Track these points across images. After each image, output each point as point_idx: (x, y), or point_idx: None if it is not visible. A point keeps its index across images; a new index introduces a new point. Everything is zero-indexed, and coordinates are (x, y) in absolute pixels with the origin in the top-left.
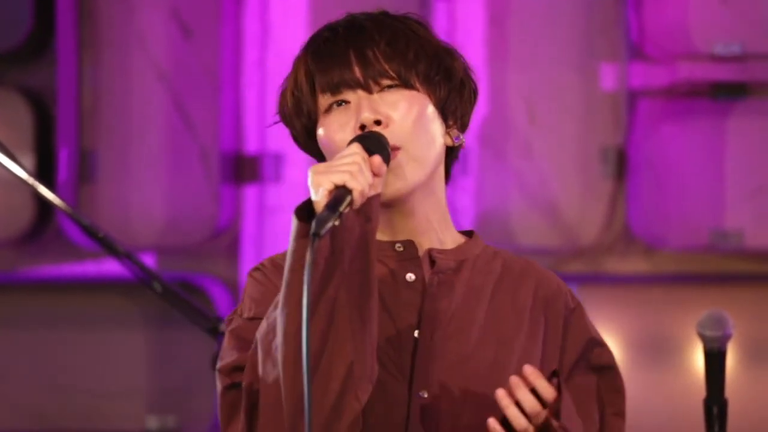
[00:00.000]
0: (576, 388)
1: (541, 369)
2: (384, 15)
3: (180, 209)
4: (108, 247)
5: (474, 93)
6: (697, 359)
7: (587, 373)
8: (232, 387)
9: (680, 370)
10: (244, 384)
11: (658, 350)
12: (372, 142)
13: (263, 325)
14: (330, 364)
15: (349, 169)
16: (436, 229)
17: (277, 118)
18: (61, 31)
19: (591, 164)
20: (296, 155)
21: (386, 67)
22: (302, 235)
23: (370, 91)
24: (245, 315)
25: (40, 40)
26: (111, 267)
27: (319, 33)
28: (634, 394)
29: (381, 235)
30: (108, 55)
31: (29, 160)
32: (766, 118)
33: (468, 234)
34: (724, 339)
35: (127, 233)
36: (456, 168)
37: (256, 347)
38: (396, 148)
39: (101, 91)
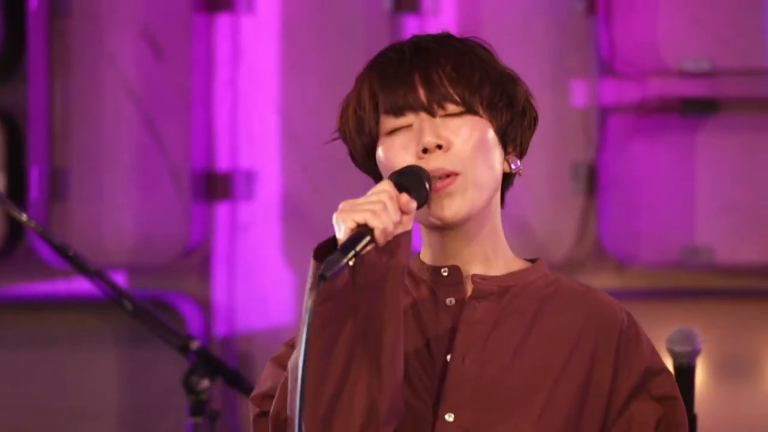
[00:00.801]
0: (632, 419)
1: (584, 398)
2: (449, 37)
3: (151, 227)
4: (78, 265)
5: (534, 120)
6: None
7: (647, 403)
8: (262, 415)
9: None
10: (271, 412)
11: None
12: (407, 178)
13: (294, 354)
14: (351, 401)
15: (373, 207)
16: (489, 255)
17: (336, 135)
18: (32, 49)
19: (562, 180)
20: (268, 172)
21: (451, 91)
22: (315, 275)
23: (433, 115)
24: (296, 343)
25: (11, 58)
26: (82, 285)
27: (384, 53)
28: None
29: (430, 259)
30: (79, 74)
31: (0, 178)
32: (736, 134)
33: (533, 261)
34: (694, 354)
35: (98, 251)
36: None
37: (287, 377)
38: (455, 174)
39: (72, 110)
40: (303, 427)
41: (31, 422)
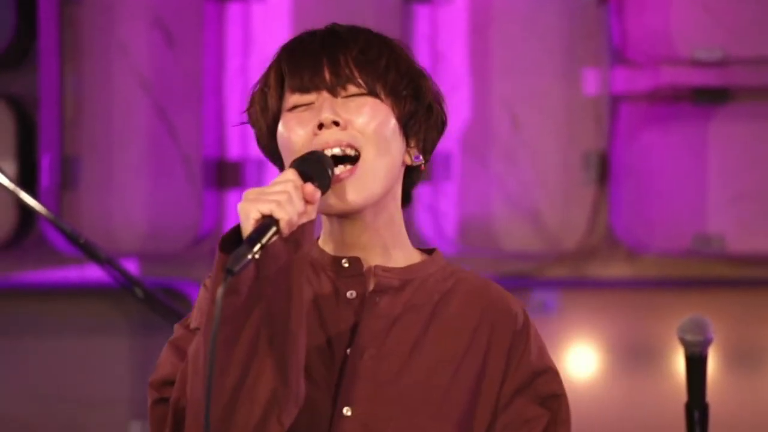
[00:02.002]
0: (513, 416)
1: (478, 391)
2: (366, 29)
3: (162, 215)
4: (89, 253)
5: (442, 122)
6: (679, 364)
7: (529, 403)
8: (160, 401)
9: (662, 374)
10: (171, 399)
11: (639, 355)
12: (310, 165)
13: (194, 343)
14: (252, 390)
15: (278, 198)
16: (388, 247)
17: (244, 117)
18: (44, 37)
19: (573, 169)
20: None
21: (356, 73)
22: (221, 267)
23: (335, 95)
24: (192, 325)
25: (23, 46)
26: (93, 273)
27: (298, 37)
28: (616, 398)
29: (330, 249)
30: (90, 62)
31: (11, 166)
32: (747, 123)
33: (429, 252)
34: (705, 343)
35: (109, 239)
36: (438, 173)
37: (188, 363)
38: (356, 152)
39: (83, 98)
40: (209, 418)
41: (41, 410)
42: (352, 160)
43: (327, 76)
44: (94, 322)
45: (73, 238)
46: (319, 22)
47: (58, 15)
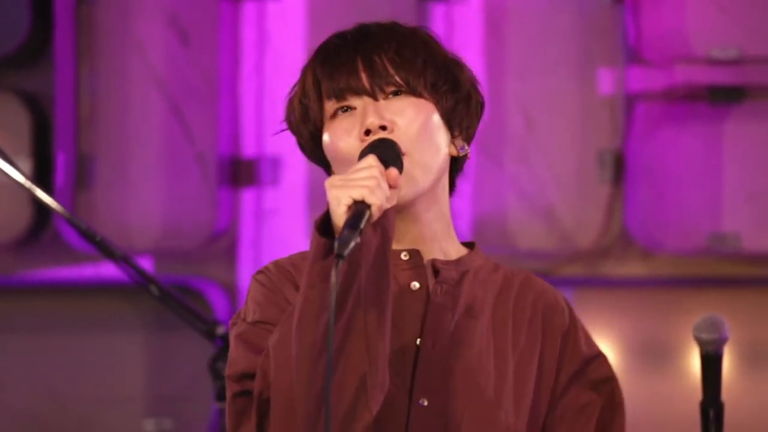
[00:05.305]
0: (568, 405)
1: (536, 383)
2: (394, 24)
3: (177, 213)
4: (105, 250)
5: (481, 106)
6: (694, 363)
7: (583, 390)
8: (241, 394)
9: (677, 373)
10: (255, 392)
11: (655, 353)
12: (386, 151)
13: (276, 334)
14: (343, 376)
15: (368, 183)
16: (440, 239)
17: (285, 125)
18: (59, 35)
19: (588, 168)
20: (293, 159)
21: (393, 74)
22: (324, 252)
23: (375, 98)
24: (249, 319)
25: (38, 44)
26: (108, 270)
27: (328, 40)
28: (631, 397)
29: None
30: (106, 60)
31: (27, 164)
32: (763, 122)
33: (469, 245)
34: (721, 342)
35: (124, 237)
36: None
37: (267, 355)
38: (402, 154)
39: (99, 96)
40: (329, 411)
41: (55, 408)
42: None
43: (365, 79)
44: (109, 320)
45: (88, 236)
46: (333, 21)
47: (73, 13)
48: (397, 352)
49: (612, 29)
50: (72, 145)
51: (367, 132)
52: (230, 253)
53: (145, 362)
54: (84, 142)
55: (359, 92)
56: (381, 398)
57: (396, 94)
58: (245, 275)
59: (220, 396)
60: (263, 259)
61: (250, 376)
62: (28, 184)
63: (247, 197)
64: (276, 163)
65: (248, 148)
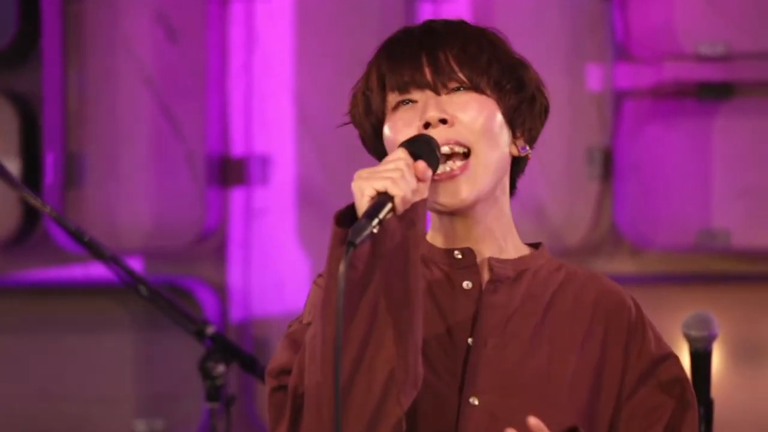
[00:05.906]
0: (638, 405)
1: (598, 382)
2: (461, 22)
3: (167, 212)
4: (94, 250)
5: (545, 108)
6: (683, 360)
7: (654, 391)
8: (279, 389)
9: None
10: (289, 386)
11: None
12: (419, 145)
13: (311, 328)
14: (371, 369)
15: (391, 175)
16: (498, 239)
17: (347, 119)
18: (47, 34)
19: (577, 165)
20: (283, 158)
21: (457, 70)
22: (339, 241)
23: (437, 92)
24: (304, 320)
25: (26, 43)
26: (97, 271)
27: (394, 35)
28: None
29: (440, 242)
30: (94, 59)
31: (15, 164)
32: (751, 118)
33: (535, 246)
34: (710, 339)
35: (114, 237)
36: None
37: (305, 350)
38: (463, 146)
39: (87, 95)
40: (339, 399)
41: (46, 408)
42: (462, 156)
43: (428, 74)
44: (99, 320)
45: (77, 236)
46: (322, 20)
47: (61, 12)
48: (448, 351)
49: (600, 26)
50: (60, 145)
51: (427, 125)
52: (220, 253)
53: (134, 363)
54: (72, 141)
55: (422, 86)
56: (413, 394)
57: (458, 90)
58: (235, 274)
59: (210, 396)
60: (253, 258)
61: (288, 371)
62: (16, 184)
63: (237, 196)
64: (265, 162)
65: (237, 147)
